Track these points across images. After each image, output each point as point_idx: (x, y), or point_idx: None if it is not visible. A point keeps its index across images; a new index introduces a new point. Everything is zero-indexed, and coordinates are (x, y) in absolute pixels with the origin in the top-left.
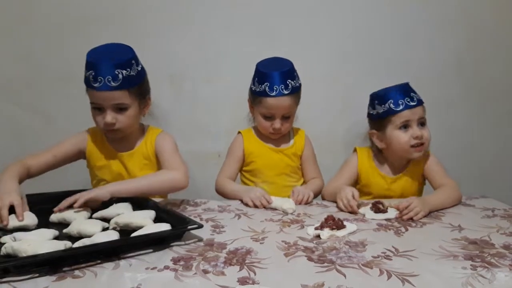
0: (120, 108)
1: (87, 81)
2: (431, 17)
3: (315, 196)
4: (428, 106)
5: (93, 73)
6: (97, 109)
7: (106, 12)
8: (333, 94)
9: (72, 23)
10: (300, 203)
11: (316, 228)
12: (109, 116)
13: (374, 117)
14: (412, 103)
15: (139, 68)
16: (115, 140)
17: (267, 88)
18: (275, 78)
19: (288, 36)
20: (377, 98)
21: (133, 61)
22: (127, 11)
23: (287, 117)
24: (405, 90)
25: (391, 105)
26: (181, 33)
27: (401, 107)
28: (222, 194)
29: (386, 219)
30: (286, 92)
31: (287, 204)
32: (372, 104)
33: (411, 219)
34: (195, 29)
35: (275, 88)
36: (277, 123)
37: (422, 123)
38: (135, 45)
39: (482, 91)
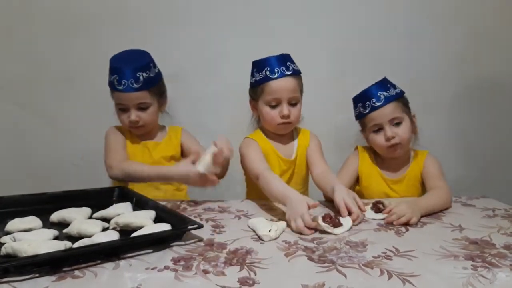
0: (142, 108)
1: (112, 85)
2: (432, 17)
3: None
4: (428, 106)
5: (117, 77)
6: (122, 109)
7: (106, 12)
8: (334, 94)
9: (73, 23)
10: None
11: None
12: (133, 115)
13: (356, 119)
14: (377, 104)
15: (156, 70)
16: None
17: (268, 72)
18: (273, 61)
19: (288, 36)
20: (354, 100)
21: (151, 64)
22: (128, 11)
23: (294, 104)
24: (373, 90)
25: (360, 109)
26: (181, 33)
27: (367, 110)
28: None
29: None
30: (288, 72)
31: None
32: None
33: (407, 224)
34: (195, 29)
35: (276, 71)
36: (285, 109)
37: (397, 122)
38: (135, 45)
39: (482, 91)
